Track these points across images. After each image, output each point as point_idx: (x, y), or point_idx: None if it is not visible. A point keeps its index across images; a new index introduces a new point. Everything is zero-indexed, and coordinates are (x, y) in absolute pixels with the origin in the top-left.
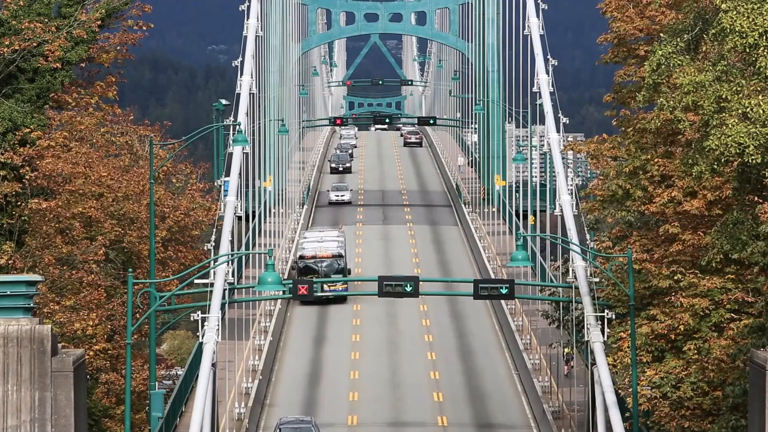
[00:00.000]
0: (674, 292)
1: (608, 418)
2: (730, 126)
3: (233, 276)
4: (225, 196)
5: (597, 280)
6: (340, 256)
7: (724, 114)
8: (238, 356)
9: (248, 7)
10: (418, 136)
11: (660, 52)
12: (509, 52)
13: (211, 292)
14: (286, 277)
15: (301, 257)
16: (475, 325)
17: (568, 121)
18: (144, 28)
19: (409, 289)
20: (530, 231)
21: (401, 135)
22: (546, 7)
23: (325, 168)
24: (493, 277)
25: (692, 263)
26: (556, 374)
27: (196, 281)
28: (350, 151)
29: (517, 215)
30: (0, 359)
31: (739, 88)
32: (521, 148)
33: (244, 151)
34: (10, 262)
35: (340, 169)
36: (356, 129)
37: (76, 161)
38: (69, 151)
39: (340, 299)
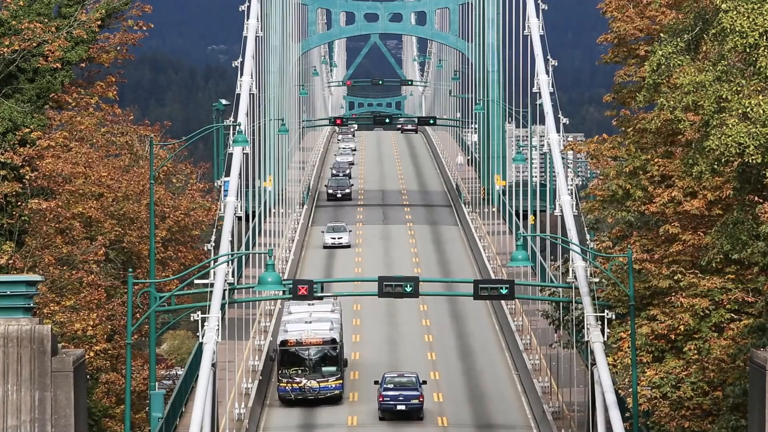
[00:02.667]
0: (674, 292)
1: (608, 418)
2: (730, 126)
3: (233, 276)
4: (225, 196)
5: (597, 280)
6: (333, 342)
7: (724, 114)
8: (238, 356)
9: (248, 7)
10: (413, 125)
11: (660, 52)
12: (509, 52)
13: (211, 292)
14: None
15: (283, 343)
16: (475, 325)
17: (568, 121)
18: (144, 28)
19: (409, 289)
20: (530, 231)
21: (398, 127)
22: (546, 7)
23: (321, 191)
24: (493, 277)
25: (692, 263)
26: (557, 374)
27: (196, 281)
28: (348, 171)
29: (517, 215)
30: (0, 359)
31: (739, 88)
32: (521, 148)
33: (244, 151)
34: (10, 262)
35: (339, 195)
36: (356, 127)
37: (76, 161)
38: (69, 151)
39: (334, 399)
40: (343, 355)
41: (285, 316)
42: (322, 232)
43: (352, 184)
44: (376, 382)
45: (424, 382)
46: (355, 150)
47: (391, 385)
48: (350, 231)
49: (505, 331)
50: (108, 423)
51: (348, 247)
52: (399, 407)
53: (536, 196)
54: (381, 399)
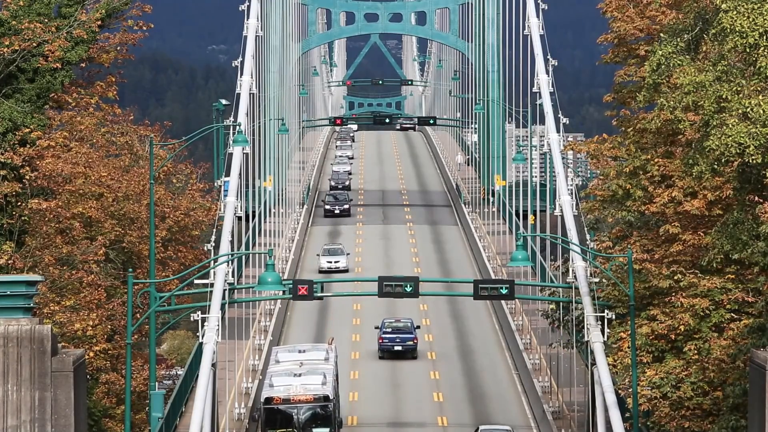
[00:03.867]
0: (674, 293)
1: (608, 418)
2: (730, 126)
3: (233, 276)
4: (225, 196)
5: (597, 280)
6: (326, 399)
7: (724, 114)
8: (238, 356)
9: (248, 7)
10: (411, 122)
11: (660, 52)
12: (509, 52)
13: (211, 292)
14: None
15: (267, 401)
16: (475, 324)
17: (568, 121)
18: (144, 28)
19: (409, 289)
20: (530, 231)
21: (397, 128)
22: (546, 7)
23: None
24: (493, 276)
25: (692, 263)
26: (557, 374)
27: (196, 281)
28: (347, 182)
29: (517, 215)
30: (0, 359)
31: (739, 88)
32: (521, 148)
33: (244, 151)
34: (10, 262)
35: (336, 212)
36: (356, 129)
37: (76, 161)
38: (69, 151)
39: None
40: (338, 413)
41: (271, 366)
42: (318, 255)
43: (351, 199)
44: (376, 327)
45: (418, 327)
46: (352, 158)
47: (389, 329)
48: (348, 254)
49: (505, 330)
50: (108, 423)
51: (346, 271)
52: (396, 348)
53: (536, 196)
54: (381, 341)
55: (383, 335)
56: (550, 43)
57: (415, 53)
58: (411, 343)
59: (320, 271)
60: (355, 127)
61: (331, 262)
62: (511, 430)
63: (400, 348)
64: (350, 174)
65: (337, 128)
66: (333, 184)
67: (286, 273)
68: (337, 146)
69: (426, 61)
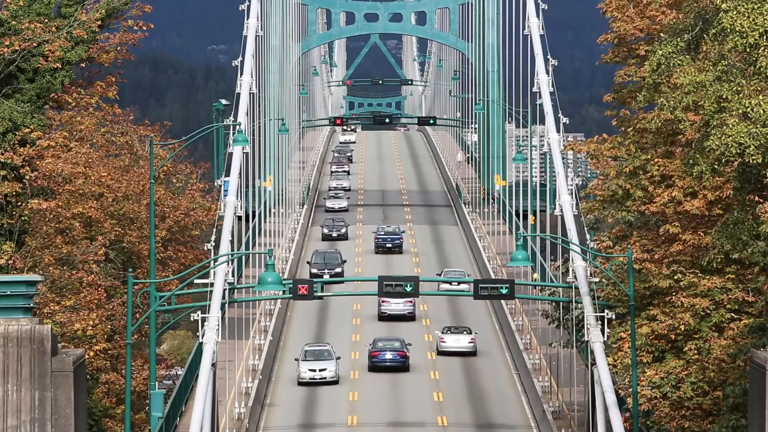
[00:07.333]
0: (674, 292)
1: (608, 418)
2: (730, 126)
3: (233, 276)
4: (225, 196)
5: (597, 280)
6: None
7: (724, 114)
8: (238, 356)
9: (248, 7)
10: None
11: (660, 52)
12: (509, 52)
13: (211, 292)
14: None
15: None
16: (475, 324)
17: (568, 121)
18: (144, 28)
19: (409, 289)
20: (530, 231)
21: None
22: (546, 7)
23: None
24: (493, 276)
25: (692, 263)
26: (557, 374)
27: (196, 281)
28: (343, 230)
29: (517, 215)
30: (0, 359)
31: (739, 88)
32: (521, 148)
33: (244, 151)
34: (10, 262)
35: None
36: (353, 140)
37: (76, 161)
38: (69, 151)
39: None
40: None
41: None
42: (296, 359)
43: (345, 260)
44: (373, 232)
45: (403, 231)
46: (349, 189)
47: (382, 233)
48: (339, 358)
49: (505, 330)
50: (108, 423)
51: (335, 383)
52: (387, 245)
53: (536, 196)
54: (376, 240)
55: (378, 236)
56: (550, 43)
57: (415, 53)
58: (398, 241)
59: (300, 383)
60: (353, 138)
61: (314, 371)
62: (464, 272)
63: (390, 246)
64: (346, 210)
65: (335, 146)
66: (326, 231)
67: (286, 273)
68: (332, 172)
69: (426, 61)
